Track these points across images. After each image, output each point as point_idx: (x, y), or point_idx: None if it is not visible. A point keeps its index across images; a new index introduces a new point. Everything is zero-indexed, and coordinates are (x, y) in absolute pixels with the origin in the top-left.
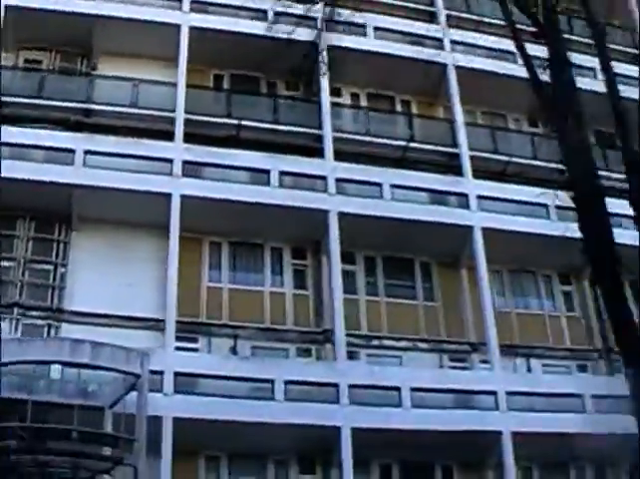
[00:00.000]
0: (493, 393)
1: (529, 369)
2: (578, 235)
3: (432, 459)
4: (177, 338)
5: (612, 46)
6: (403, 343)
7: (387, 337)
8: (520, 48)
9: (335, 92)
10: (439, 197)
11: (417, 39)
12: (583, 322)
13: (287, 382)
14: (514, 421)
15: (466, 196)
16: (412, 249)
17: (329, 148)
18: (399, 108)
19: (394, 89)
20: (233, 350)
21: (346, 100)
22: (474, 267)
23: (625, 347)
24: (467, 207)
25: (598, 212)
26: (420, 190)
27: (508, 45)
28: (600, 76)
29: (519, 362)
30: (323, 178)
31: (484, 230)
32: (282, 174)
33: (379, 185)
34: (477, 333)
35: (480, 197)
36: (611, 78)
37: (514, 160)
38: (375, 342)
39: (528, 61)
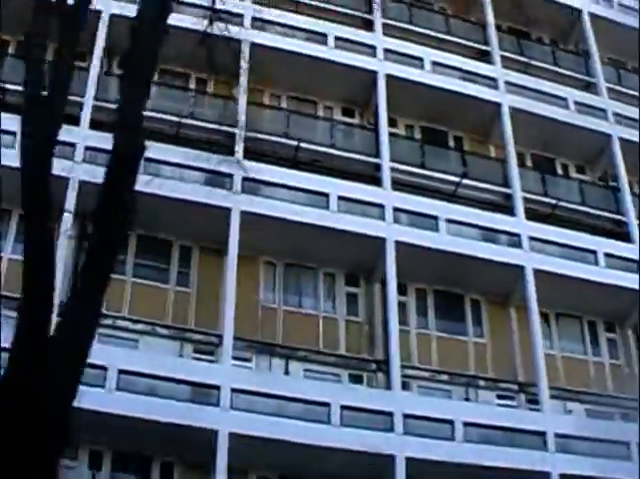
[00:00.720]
0: (217, 388)
1: (287, 372)
2: None
3: (150, 453)
4: None
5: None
6: (140, 326)
7: (124, 318)
8: None
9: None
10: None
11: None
12: (367, 328)
13: None
14: (237, 421)
15: (231, 176)
16: (171, 231)
17: (86, 116)
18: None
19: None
20: None
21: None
22: (245, 256)
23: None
24: (230, 188)
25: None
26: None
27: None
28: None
29: (278, 363)
30: (72, 145)
31: (244, 214)
32: None
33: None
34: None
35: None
36: None
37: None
38: (108, 322)
39: None
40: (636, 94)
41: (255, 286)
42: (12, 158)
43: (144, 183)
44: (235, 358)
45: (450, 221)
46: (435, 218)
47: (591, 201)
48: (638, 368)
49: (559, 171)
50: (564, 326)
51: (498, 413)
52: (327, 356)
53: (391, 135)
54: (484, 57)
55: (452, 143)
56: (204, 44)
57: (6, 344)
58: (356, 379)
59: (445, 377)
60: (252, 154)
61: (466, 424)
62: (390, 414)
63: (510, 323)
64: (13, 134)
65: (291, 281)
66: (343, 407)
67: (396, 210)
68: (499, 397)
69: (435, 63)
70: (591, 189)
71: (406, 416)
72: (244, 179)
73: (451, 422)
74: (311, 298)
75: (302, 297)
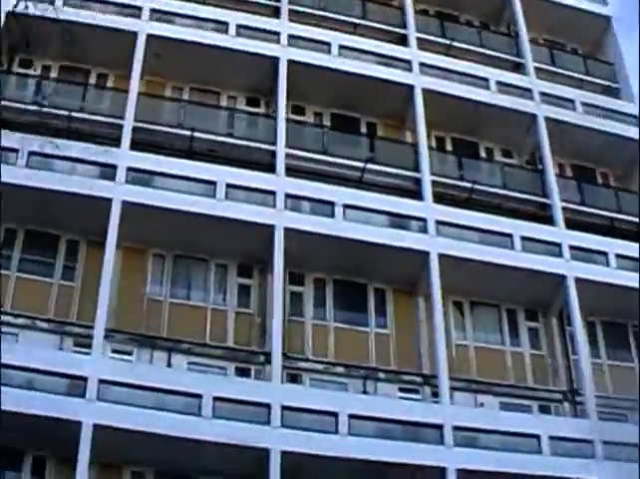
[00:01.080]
0: (85, 380)
1: (169, 364)
2: None
3: (22, 447)
4: None
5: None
6: (20, 321)
7: (5, 313)
8: None
9: None
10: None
11: None
12: (259, 321)
13: None
14: (105, 413)
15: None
16: (59, 225)
17: None
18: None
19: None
20: None
21: None
22: (133, 249)
23: None
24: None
25: None
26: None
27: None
28: None
29: (160, 355)
30: None
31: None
32: None
33: None
34: (115, 320)
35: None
36: None
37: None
38: None
39: None
40: (570, 74)
41: (143, 279)
42: None
43: (31, 177)
44: (116, 351)
45: (352, 207)
46: (332, 204)
47: (515, 184)
48: (562, 358)
49: (483, 154)
50: (480, 315)
51: (397, 406)
52: (213, 349)
53: (297, 122)
54: (406, 41)
55: (364, 129)
56: (21, 23)
57: None
58: (243, 372)
59: (340, 369)
60: (145, 145)
61: (354, 417)
62: (267, 406)
63: (418, 313)
64: None
65: (181, 274)
66: (216, 399)
67: (292, 197)
68: (402, 390)
69: (345, 47)
70: (515, 171)
71: (286, 409)
72: (132, 169)
73: (335, 415)
74: (201, 291)
75: (191, 290)
